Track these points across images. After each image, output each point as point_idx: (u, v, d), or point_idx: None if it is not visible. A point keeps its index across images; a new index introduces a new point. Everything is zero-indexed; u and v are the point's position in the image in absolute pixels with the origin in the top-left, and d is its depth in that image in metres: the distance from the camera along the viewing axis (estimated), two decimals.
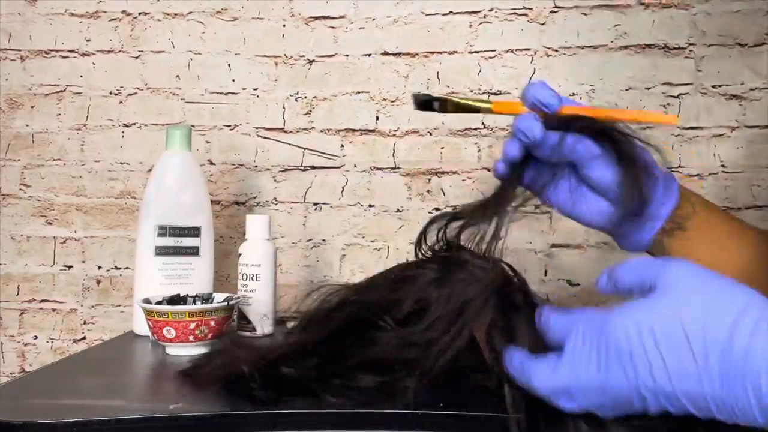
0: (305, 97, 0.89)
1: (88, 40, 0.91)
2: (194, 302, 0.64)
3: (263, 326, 0.69)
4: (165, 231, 0.70)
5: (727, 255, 0.47)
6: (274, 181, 0.89)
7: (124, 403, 0.45)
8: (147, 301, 0.62)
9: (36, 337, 0.90)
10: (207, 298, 0.65)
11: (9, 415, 0.41)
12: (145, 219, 0.71)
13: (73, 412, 0.42)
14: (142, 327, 0.69)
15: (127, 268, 0.89)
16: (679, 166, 0.85)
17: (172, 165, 0.72)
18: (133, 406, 0.45)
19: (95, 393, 0.48)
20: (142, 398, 0.49)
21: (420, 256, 0.49)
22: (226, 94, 0.90)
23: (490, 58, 0.87)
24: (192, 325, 0.58)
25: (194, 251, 0.71)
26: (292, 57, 0.89)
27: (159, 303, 0.62)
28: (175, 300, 0.64)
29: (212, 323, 0.60)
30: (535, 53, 0.86)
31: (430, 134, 0.87)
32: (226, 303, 0.62)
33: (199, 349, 0.59)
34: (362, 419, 0.43)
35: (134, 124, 0.91)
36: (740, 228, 0.50)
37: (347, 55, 0.88)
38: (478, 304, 0.42)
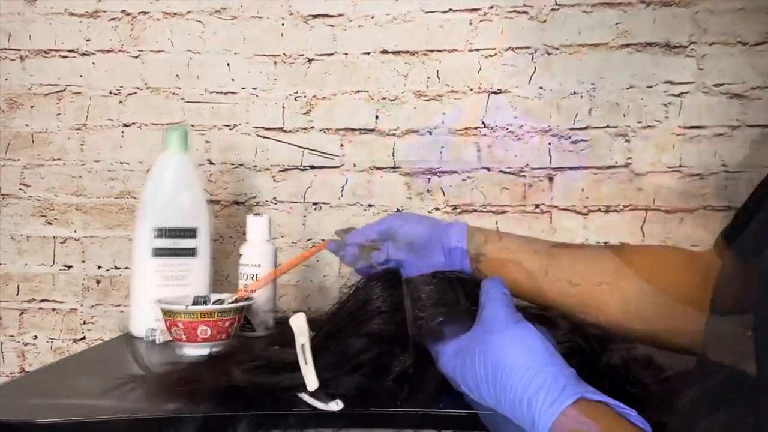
0: (304, 97, 0.89)
1: (87, 40, 0.91)
2: (205, 303, 0.64)
3: (263, 326, 0.69)
4: (162, 232, 0.70)
5: None
6: (274, 180, 0.89)
7: (123, 403, 0.45)
8: (162, 301, 0.62)
9: (36, 337, 0.90)
10: (221, 301, 0.65)
11: (9, 414, 0.41)
12: (142, 220, 0.71)
13: (72, 412, 0.42)
14: (139, 328, 0.69)
15: (126, 268, 0.89)
16: (680, 166, 0.84)
17: (170, 166, 0.72)
18: (132, 407, 0.45)
19: (94, 393, 0.48)
20: (141, 399, 0.49)
21: None
22: (225, 93, 0.90)
23: (491, 56, 0.86)
24: (203, 326, 0.59)
25: (191, 253, 0.71)
26: (291, 56, 0.89)
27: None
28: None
29: (222, 324, 0.60)
30: (536, 51, 0.86)
31: (430, 134, 0.87)
32: (236, 304, 0.62)
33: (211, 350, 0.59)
34: (362, 419, 0.42)
35: (134, 123, 0.91)
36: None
37: (346, 54, 0.88)
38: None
